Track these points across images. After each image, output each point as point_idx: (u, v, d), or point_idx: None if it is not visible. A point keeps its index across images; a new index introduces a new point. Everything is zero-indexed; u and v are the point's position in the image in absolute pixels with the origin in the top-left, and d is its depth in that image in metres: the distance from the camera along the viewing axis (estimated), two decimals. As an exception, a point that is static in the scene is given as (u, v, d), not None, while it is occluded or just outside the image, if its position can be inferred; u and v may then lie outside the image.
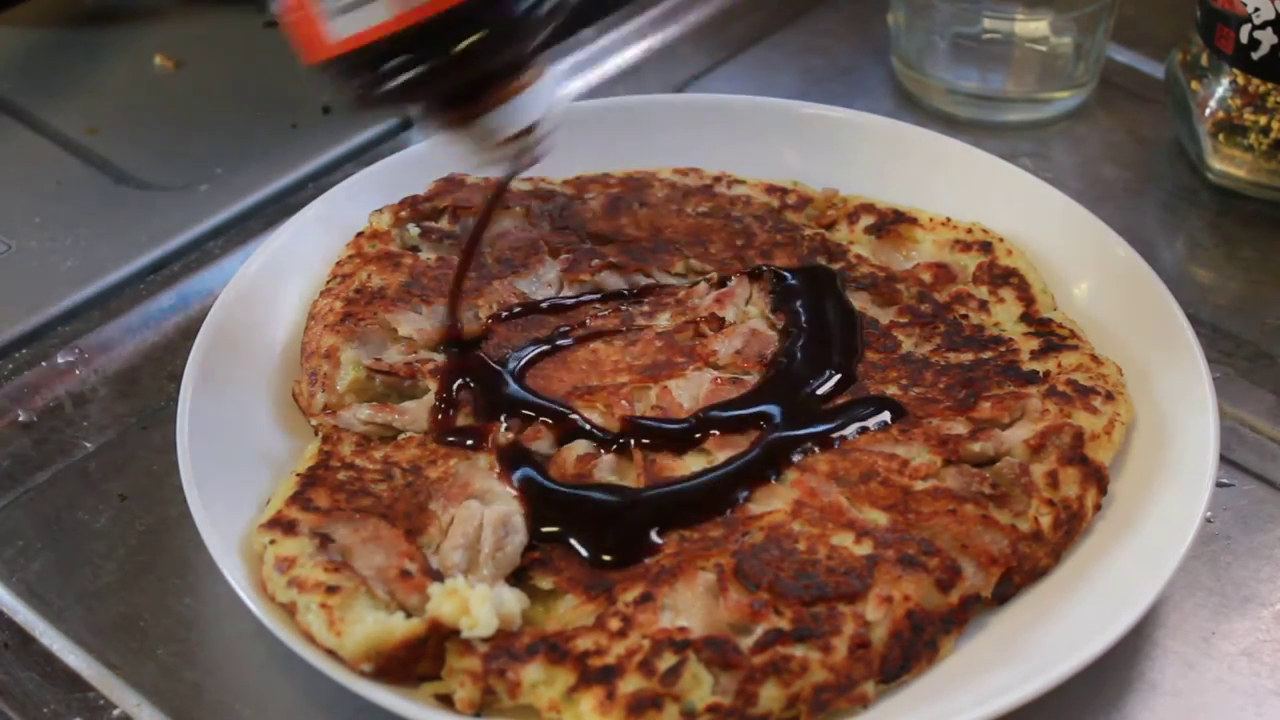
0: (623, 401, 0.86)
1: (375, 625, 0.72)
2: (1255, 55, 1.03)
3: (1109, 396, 0.85)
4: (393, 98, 0.74)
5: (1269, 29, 1.01)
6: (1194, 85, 1.08)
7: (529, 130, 0.78)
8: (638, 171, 1.03)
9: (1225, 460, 0.88)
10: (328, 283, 0.94)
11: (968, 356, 0.89)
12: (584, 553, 0.78)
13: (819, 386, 0.87)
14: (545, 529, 0.79)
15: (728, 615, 0.74)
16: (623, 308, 0.93)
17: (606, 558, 0.77)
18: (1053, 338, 0.90)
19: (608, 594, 0.75)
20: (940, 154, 1.03)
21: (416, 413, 0.86)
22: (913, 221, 0.99)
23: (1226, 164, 1.08)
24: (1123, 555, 0.79)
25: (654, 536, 0.79)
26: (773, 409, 0.86)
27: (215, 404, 0.85)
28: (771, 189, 1.02)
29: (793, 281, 0.94)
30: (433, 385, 0.87)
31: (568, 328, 0.91)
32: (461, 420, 0.85)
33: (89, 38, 1.28)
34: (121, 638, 0.80)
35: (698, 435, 0.84)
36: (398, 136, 1.15)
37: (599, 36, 1.23)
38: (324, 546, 0.77)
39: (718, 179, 1.03)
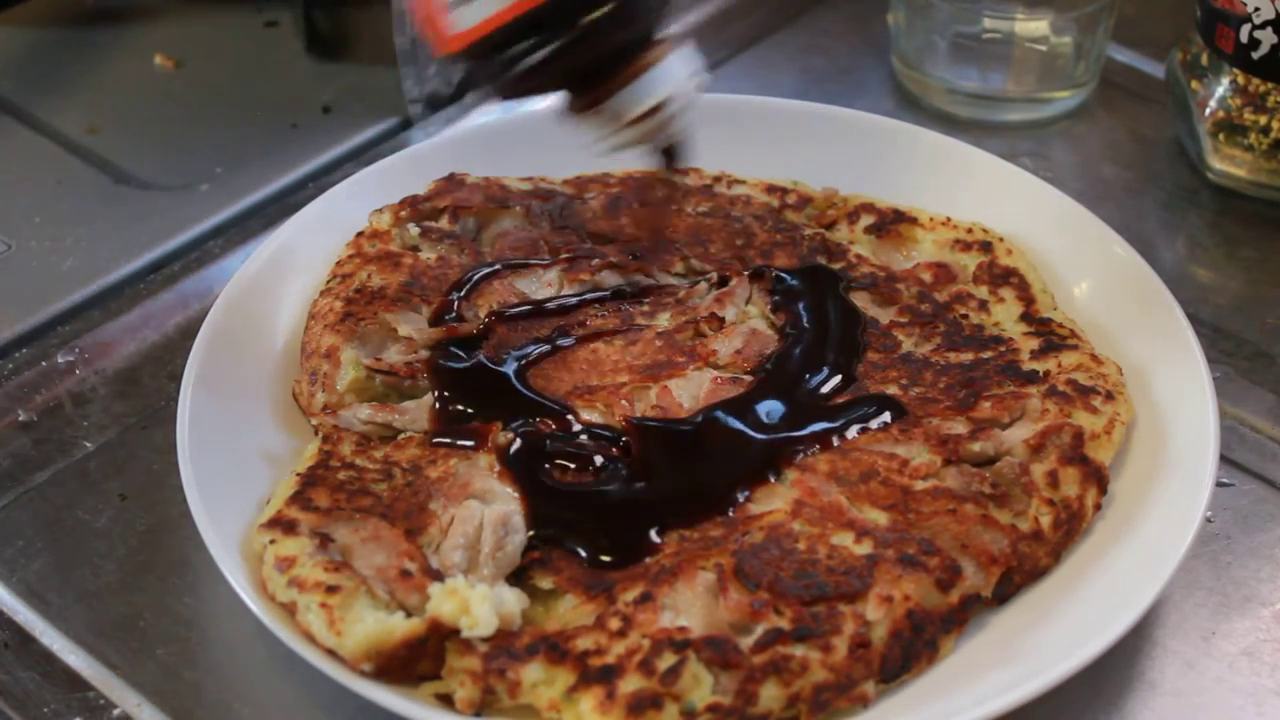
0: (623, 401, 0.86)
1: (375, 625, 0.73)
2: (1255, 55, 1.03)
3: (1109, 396, 0.85)
4: (522, 82, 0.74)
5: (1269, 29, 1.01)
6: (1194, 85, 1.08)
7: (659, 107, 0.77)
8: (638, 171, 1.03)
9: (1225, 460, 0.88)
10: (328, 282, 0.94)
11: (968, 356, 0.89)
12: (583, 554, 0.78)
13: (819, 386, 0.87)
14: (544, 530, 0.79)
15: (728, 615, 0.74)
16: (623, 308, 0.93)
17: (605, 559, 0.77)
18: (1053, 337, 0.90)
19: (608, 594, 0.75)
20: (940, 154, 1.03)
21: (416, 413, 0.86)
22: (913, 221, 0.99)
23: (1226, 164, 1.08)
24: (1123, 555, 0.79)
25: (654, 536, 0.79)
26: (773, 408, 0.86)
27: (215, 404, 0.85)
28: (771, 189, 1.02)
29: (793, 281, 0.94)
30: (433, 385, 0.87)
31: (568, 327, 0.91)
32: (461, 421, 0.85)
33: (89, 38, 1.28)
34: (121, 638, 0.80)
35: (698, 435, 0.84)
36: (398, 136, 1.15)
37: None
38: (324, 546, 0.77)
39: (718, 179, 1.03)
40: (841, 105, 1.07)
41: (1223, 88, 1.06)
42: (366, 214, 0.98)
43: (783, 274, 0.95)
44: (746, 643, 0.73)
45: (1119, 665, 0.78)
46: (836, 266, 0.96)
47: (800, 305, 0.93)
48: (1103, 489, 0.82)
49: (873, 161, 1.03)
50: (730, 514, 0.80)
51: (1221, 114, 1.07)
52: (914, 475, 0.81)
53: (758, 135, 1.05)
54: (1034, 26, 1.16)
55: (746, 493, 0.81)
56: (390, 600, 0.74)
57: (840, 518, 0.79)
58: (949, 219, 0.99)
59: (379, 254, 0.95)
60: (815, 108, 1.07)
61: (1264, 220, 1.08)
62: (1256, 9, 1.01)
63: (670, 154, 0.83)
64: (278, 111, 1.19)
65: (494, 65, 0.74)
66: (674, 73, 0.77)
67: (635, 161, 1.02)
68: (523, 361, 0.89)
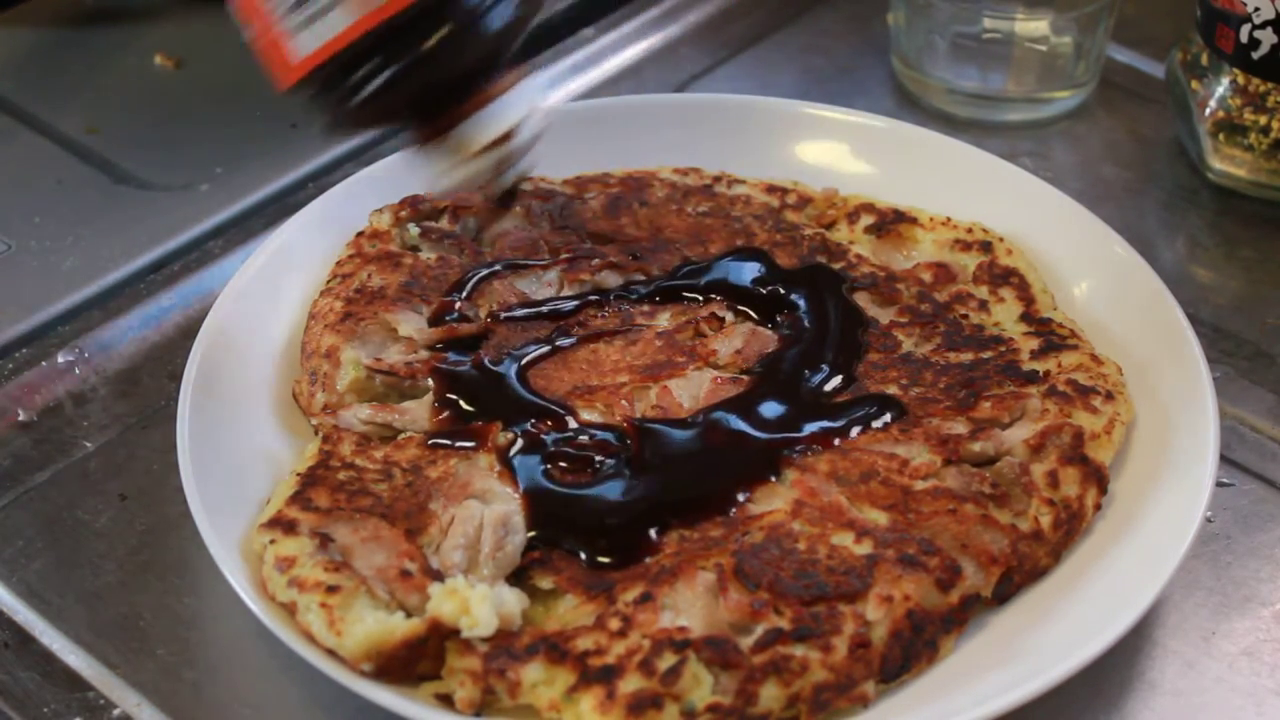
0: (623, 401, 0.86)
1: (375, 625, 0.72)
2: (1255, 55, 1.03)
3: (1109, 396, 0.85)
4: (364, 110, 0.72)
5: (1269, 29, 1.01)
6: (1194, 85, 1.08)
7: (505, 137, 0.75)
8: (638, 171, 1.03)
9: (1225, 460, 0.88)
10: (328, 282, 0.94)
11: (968, 356, 0.89)
12: (582, 555, 0.78)
13: (819, 386, 0.87)
14: (544, 530, 0.79)
15: (728, 615, 0.74)
16: (623, 308, 0.93)
17: (603, 560, 0.77)
18: (1053, 337, 0.90)
19: (608, 594, 0.75)
20: (940, 154, 1.03)
21: (416, 413, 0.86)
22: (913, 221, 0.99)
23: (1226, 164, 1.08)
24: (1123, 555, 0.79)
25: (654, 536, 0.79)
26: (773, 409, 0.86)
27: (215, 404, 0.85)
28: (771, 189, 1.02)
29: (794, 281, 0.94)
30: (433, 385, 0.87)
31: (568, 328, 0.91)
32: (461, 421, 0.85)
33: (89, 38, 1.28)
34: (121, 638, 0.80)
35: (698, 435, 0.84)
36: (398, 136, 1.15)
37: (599, 36, 1.23)
38: (324, 546, 0.77)
39: (718, 179, 1.03)
40: (841, 105, 1.07)
41: (1223, 88, 1.06)
42: (366, 214, 0.98)
43: (783, 274, 0.95)
44: (746, 643, 0.73)
45: (1119, 665, 0.78)
46: (836, 267, 0.96)
47: (801, 305, 0.93)
48: (1103, 489, 0.82)
49: (873, 161, 1.03)
50: (730, 514, 0.80)
51: (1221, 114, 1.07)
52: (914, 475, 0.81)
53: (758, 135, 1.05)
54: (1034, 26, 1.16)
55: (746, 493, 0.81)
56: (390, 600, 0.74)
57: (840, 518, 0.79)
58: (949, 219, 0.99)
59: (379, 254, 0.95)
60: (815, 108, 1.07)
61: (1264, 220, 1.08)
62: (1256, 9, 1.01)
63: (506, 196, 0.82)
64: (278, 111, 1.18)
65: (334, 93, 0.71)
66: (522, 101, 0.74)
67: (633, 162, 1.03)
68: (523, 362, 0.89)
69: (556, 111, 0.77)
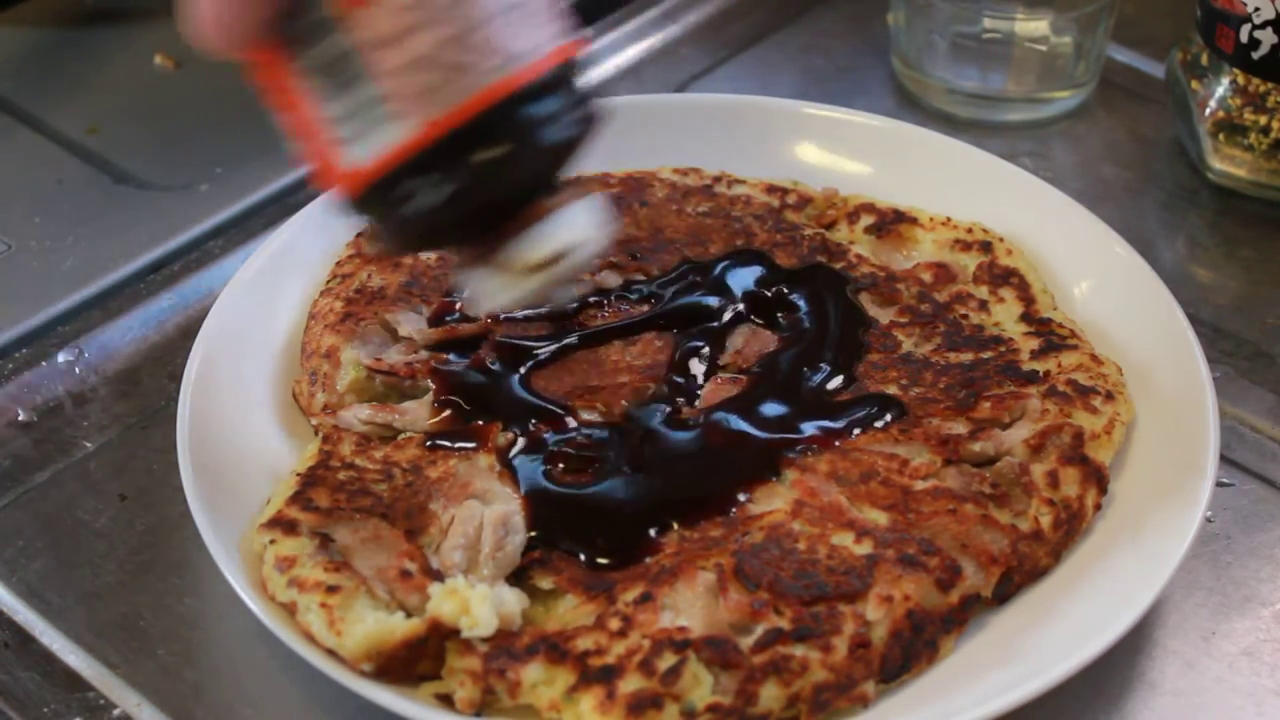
0: (622, 401, 0.86)
1: (375, 625, 0.72)
2: (1255, 55, 1.03)
3: (1109, 396, 0.85)
4: (414, 226, 0.68)
5: (1269, 29, 1.01)
6: (1194, 85, 1.08)
7: (555, 259, 0.71)
8: (638, 171, 1.03)
9: (1225, 460, 0.88)
10: (328, 282, 0.94)
11: (968, 356, 0.89)
12: (581, 556, 0.78)
13: (819, 386, 0.87)
14: (543, 531, 0.79)
15: (728, 615, 0.74)
16: (623, 308, 0.93)
17: (603, 560, 0.77)
18: (1053, 337, 0.90)
19: (608, 594, 0.75)
20: (940, 154, 1.03)
21: (416, 413, 0.86)
22: (913, 221, 0.99)
23: (1226, 164, 1.08)
24: (1123, 555, 0.79)
25: (653, 536, 0.79)
26: (773, 408, 0.86)
27: (215, 404, 0.85)
28: (771, 189, 1.02)
29: (794, 281, 0.94)
30: (433, 385, 0.87)
31: (568, 328, 0.91)
32: (462, 421, 0.85)
33: (89, 38, 1.28)
34: (121, 638, 0.80)
35: (698, 435, 0.84)
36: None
37: (599, 36, 1.23)
38: (324, 546, 0.77)
39: (718, 179, 1.03)
40: (841, 105, 1.07)
41: (1223, 88, 1.06)
42: (366, 214, 0.98)
43: (784, 273, 0.95)
44: (746, 643, 0.73)
45: (1119, 665, 0.78)
46: (836, 266, 0.96)
47: (801, 305, 0.93)
48: (1103, 489, 0.82)
49: (873, 161, 1.03)
50: (730, 514, 0.80)
51: (1221, 114, 1.07)
52: (914, 475, 0.81)
53: (758, 135, 1.05)
54: (1034, 26, 1.16)
55: (746, 493, 0.81)
56: (390, 600, 0.74)
57: (840, 518, 0.79)
58: (949, 219, 0.99)
59: (379, 254, 0.95)
60: (815, 108, 1.07)
61: (1264, 220, 1.08)
62: (1256, 9, 1.01)
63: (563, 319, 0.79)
64: (278, 111, 1.18)
65: (387, 209, 0.68)
66: (577, 221, 0.71)
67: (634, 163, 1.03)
68: (523, 362, 0.89)
69: (609, 218, 0.73)
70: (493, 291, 0.72)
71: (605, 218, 0.72)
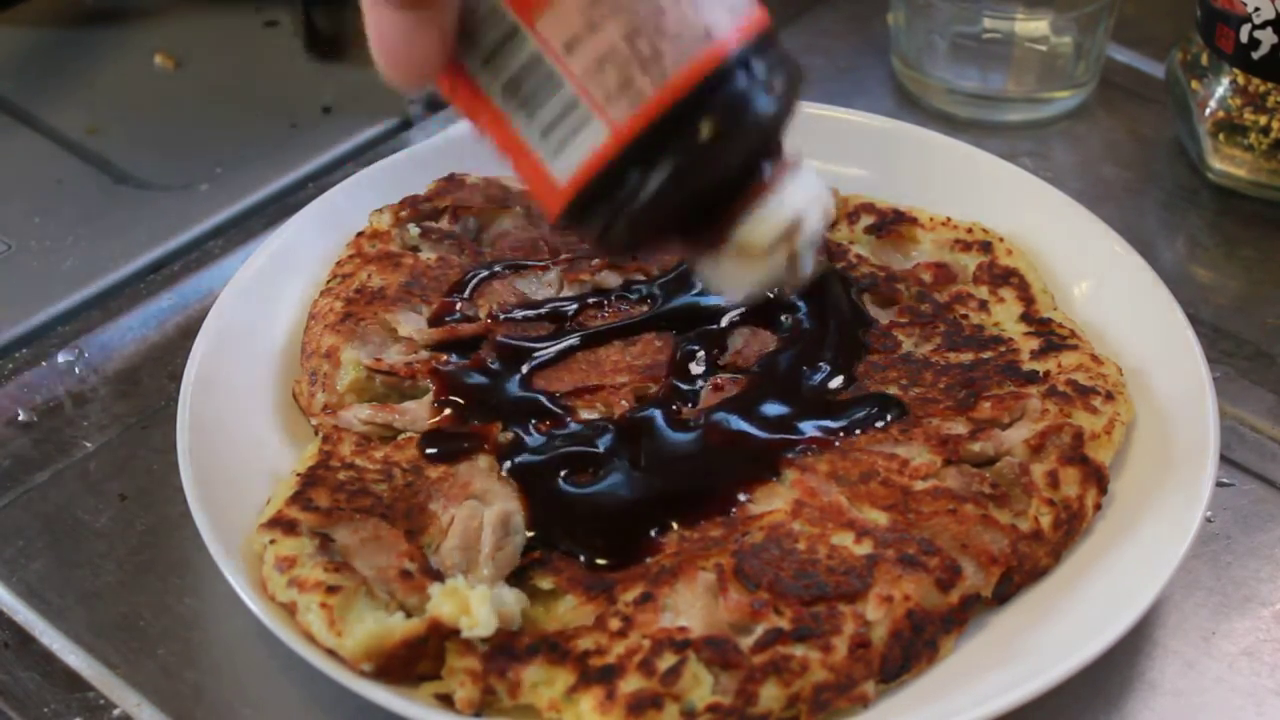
0: (622, 402, 0.86)
1: (375, 625, 0.72)
2: (1255, 55, 1.03)
3: (1109, 396, 0.85)
4: (639, 223, 0.64)
5: (1269, 29, 1.01)
6: (1194, 85, 1.08)
7: (792, 231, 0.67)
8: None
9: (1225, 460, 0.88)
10: (328, 283, 0.94)
11: (968, 356, 0.89)
12: (581, 556, 0.78)
13: (819, 386, 0.87)
14: (543, 533, 0.79)
15: (728, 615, 0.74)
16: (623, 308, 0.93)
17: (601, 561, 0.77)
18: (1053, 337, 0.90)
19: (608, 594, 0.75)
20: (940, 154, 1.03)
21: (416, 413, 0.86)
22: (913, 221, 0.99)
23: (1226, 164, 1.08)
24: (1123, 555, 0.79)
25: (653, 536, 0.79)
26: (773, 408, 0.86)
27: (215, 404, 0.85)
28: (771, 189, 1.02)
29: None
30: (433, 385, 0.87)
31: (568, 328, 0.91)
32: (461, 422, 0.85)
33: (89, 38, 1.28)
34: (121, 638, 0.80)
35: (699, 435, 0.84)
36: (398, 136, 1.15)
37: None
38: (324, 546, 0.77)
39: (718, 179, 1.03)
40: (841, 105, 1.07)
41: (1223, 88, 1.06)
42: (366, 214, 0.98)
43: None
44: (746, 643, 0.73)
45: (1119, 665, 0.78)
46: (837, 267, 0.96)
47: (801, 305, 0.93)
48: (1103, 489, 0.82)
49: (873, 161, 1.03)
50: (730, 514, 0.80)
51: (1221, 114, 1.07)
52: (914, 475, 0.81)
53: (758, 135, 1.05)
54: (1034, 26, 1.16)
55: (746, 493, 0.81)
56: (390, 600, 0.74)
57: (840, 518, 0.79)
58: (949, 219, 0.99)
59: (379, 254, 0.95)
60: (815, 108, 1.07)
61: (1264, 220, 1.08)
62: (1256, 9, 1.01)
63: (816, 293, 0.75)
64: (278, 111, 1.19)
65: (605, 213, 0.64)
66: (803, 188, 0.67)
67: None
68: (523, 362, 0.89)
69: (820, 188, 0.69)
70: (736, 278, 0.68)
71: (821, 182, 0.68)
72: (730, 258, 0.67)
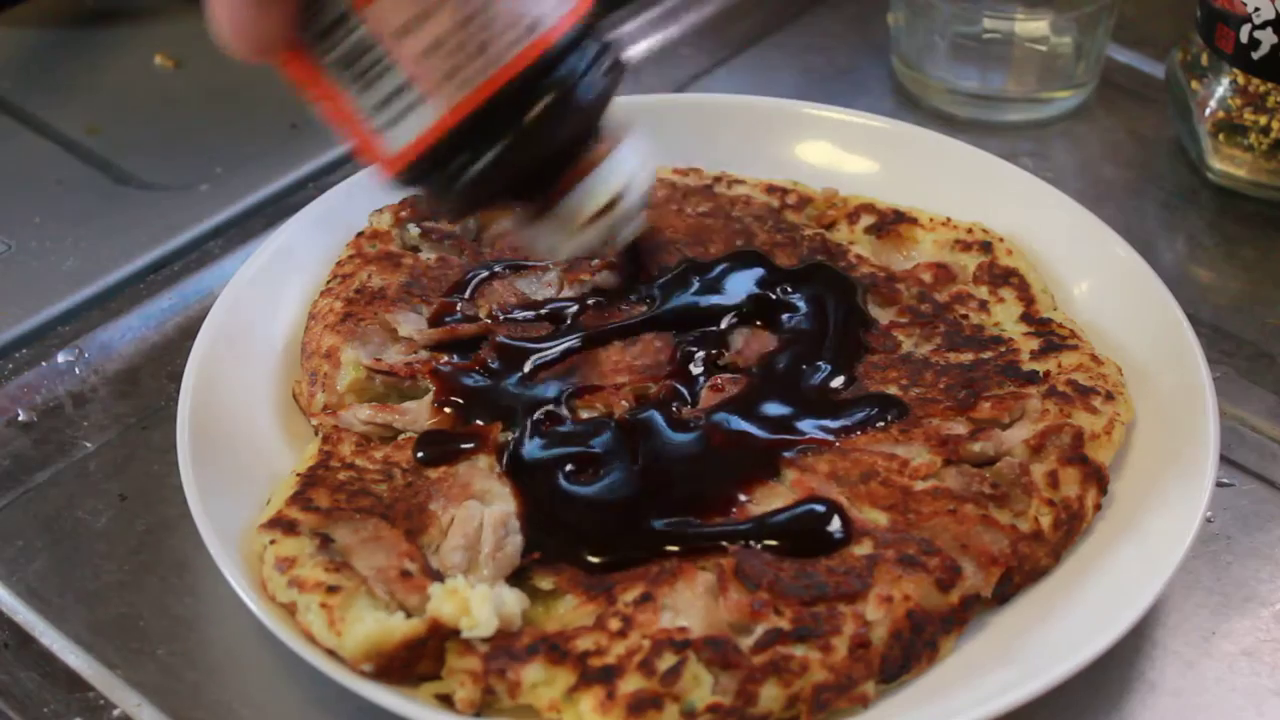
0: (623, 402, 0.86)
1: (375, 625, 0.72)
2: (1255, 55, 1.03)
3: (1109, 396, 0.85)
4: (468, 197, 0.70)
5: (1269, 29, 1.01)
6: (1194, 85, 1.08)
7: (614, 202, 0.73)
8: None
9: (1225, 460, 0.88)
10: (328, 283, 0.94)
11: (968, 356, 0.89)
12: (580, 558, 0.78)
13: (819, 386, 0.87)
14: (542, 533, 0.79)
15: (728, 615, 0.74)
16: (622, 308, 0.93)
17: (594, 560, 0.77)
18: (1053, 338, 0.90)
19: (608, 594, 0.75)
20: (940, 154, 1.03)
21: (416, 413, 0.86)
22: (913, 221, 0.99)
23: (1226, 164, 1.08)
24: (1123, 555, 0.79)
25: (654, 536, 0.78)
26: (773, 408, 0.86)
27: (215, 404, 0.85)
28: (771, 189, 1.02)
29: (796, 281, 0.94)
30: (433, 386, 0.87)
31: (568, 328, 0.91)
32: (461, 422, 0.85)
33: (89, 38, 1.28)
34: (121, 638, 0.80)
35: (698, 435, 0.84)
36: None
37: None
38: (324, 546, 0.77)
39: (718, 179, 1.03)
40: (841, 105, 1.07)
41: (1223, 88, 1.06)
42: (366, 214, 0.98)
43: (785, 273, 0.95)
44: (746, 643, 0.73)
45: (1119, 665, 0.78)
46: (838, 266, 0.96)
47: (802, 305, 0.93)
48: (1103, 489, 0.82)
49: (873, 161, 1.03)
50: (730, 514, 0.80)
51: (1221, 114, 1.07)
52: (914, 475, 0.81)
53: (758, 135, 1.05)
54: (1034, 26, 1.16)
55: (746, 493, 0.81)
56: (390, 600, 0.74)
57: (840, 518, 0.79)
58: (949, 219, 0.99)
59: (379, 254, 0.95)
60: (815, 108, 1.07)
61: (1264, 220, 1.08)
62: (1256, 9, 1.01)
63: (634, 255, 0.79)
64: (278, 111, 1.19)
65: (435, 184, 0.70)
66: (625, 164, 0.73)
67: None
68: (523, 362, 0.89)
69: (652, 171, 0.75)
70: (558, 244, 0.73)
71: (648, 153, 0.73)
72: (552, 225, 0.72)
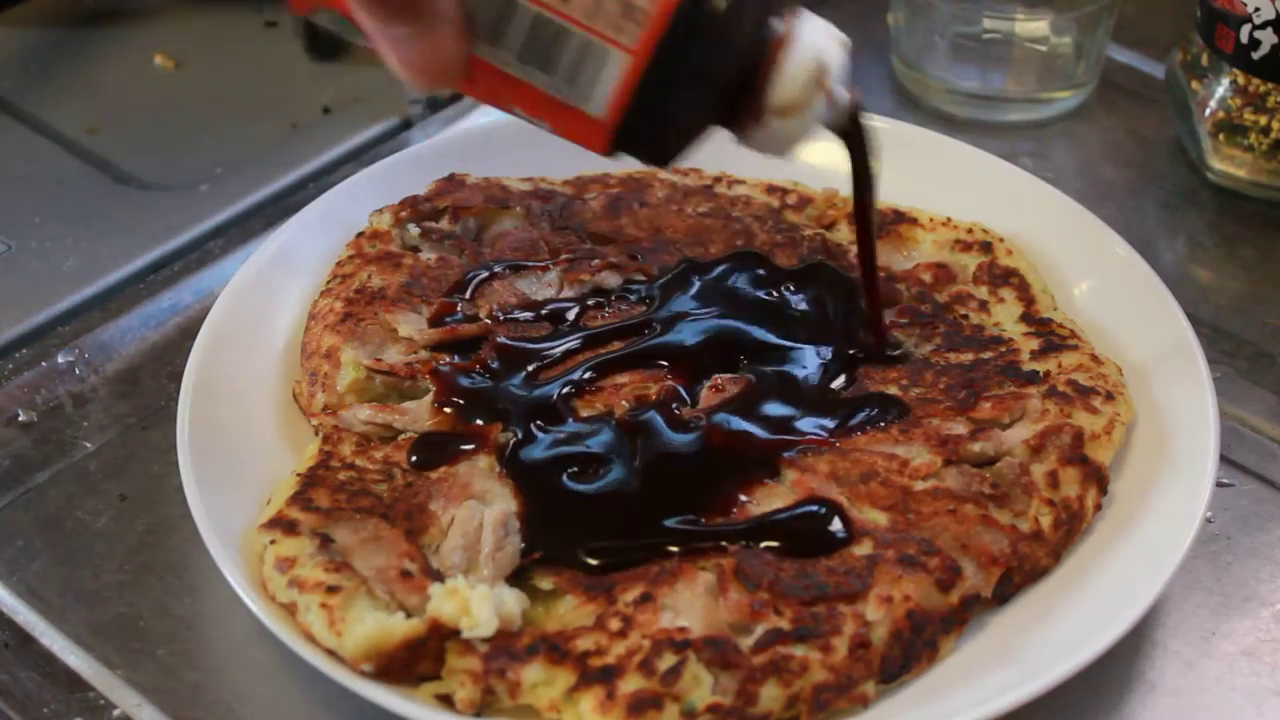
0: (623, 402, 0.86)
1: (375, 625, 0.72)
2: (1255, 55, 1.03)
3: (1109, 396, 0.85)
4: (685, 120, 0.71)
5: (1269, 29, 1.01)
6: (1194, 85, 1.08)
7: (822, 72, 0.72)
8: (638, 171, 1.03)
9: (1225, 460, 0.88)
10: (328, 283, 0.94)
11: (968, 356, 0.89)
12: (580, 558, 0.78)
13: (819, 386, 0.87)
14: (541, 535, 0.79)
15: (728, 615, 0.74)
16: (623, 308, 0.93)
17: (594, 560, 0.77)
18: (1053, 338, 0.90)
19: (608, 594, 0.75)
20: (940, 154, 1.03)
21: (417, 413, 0.86)
22: (913, 221, 0.99)
23: (1226, 164, 1.08)
24: (1123, 555, 0.79)
25: (654, 536, 0.78)
26: (773, 408, 0.86)
27: (215, 404, 0.85)
28: (771, 189, 1.02)
29: (796, 281, 0.94)
30: (433, 386, 0.87)
31: (568, 328, 0.91)
32: (461, 422, 0.85)
33: (89, 38, 1.28)
34: (121, 638, 0.80)
35: (699, 435, 0.84)
36: (398, 136, 1.15)
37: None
38: (324, 546, 0.77)
39: (718, 179, 1.03)
40: (841, 105, 1.07)
41: (1223, 88, 1.06)
42: (366, 214, 0.98)
43: (784, 273, 0.95)
44: (746, 643, 0.73)
45: (1119, 665, 0.78)
46: (837, 267, 0.96)
47: (802, 305, 0.93)
48: (1103, 489, 0.82)
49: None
50: (730, 514, 0.80)
51: (1221, 114, 1.07)
52: (914, 475, 0.81)
53: (758, 135, 1.05)
54: (1034, 26, 1.16)
55: (746, 493, 0.81)
56: (390, 601, 0.74)
57: (840, 518, 0.79)
58: (949, 219, 0.99)
59: (379, 254, 0.95)
60: (815, 108, 1.07)
61: (1264, 220, 1.08)
62: (1256, 9, 1.01)
63: (854, 132, 0.80)
64: (278, 111, 1.19)
65: (652, 122, 0.70)
66: (811, 35, 0.72)
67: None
68: (523, 362, 0.89)
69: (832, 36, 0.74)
70: (787, 138, 0.74)
71: (830, 26, 0.74)
72: (774, 121, 0.72)
